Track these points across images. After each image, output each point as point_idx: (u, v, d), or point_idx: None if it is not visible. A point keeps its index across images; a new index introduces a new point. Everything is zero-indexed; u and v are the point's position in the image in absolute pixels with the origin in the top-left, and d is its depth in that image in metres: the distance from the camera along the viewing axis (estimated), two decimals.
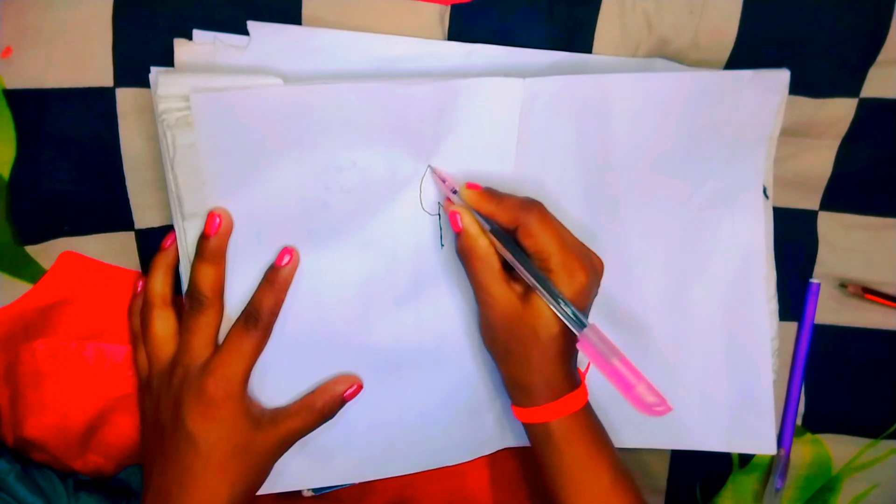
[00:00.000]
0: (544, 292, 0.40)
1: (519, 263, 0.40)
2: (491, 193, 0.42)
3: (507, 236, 0.41)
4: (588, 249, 0.42)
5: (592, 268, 0.41)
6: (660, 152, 0.46)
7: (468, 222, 0.41)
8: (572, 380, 0.42)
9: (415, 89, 0.39)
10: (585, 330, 0.39)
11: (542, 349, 0.41)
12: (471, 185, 0.42)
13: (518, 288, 0.41)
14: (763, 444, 0.52)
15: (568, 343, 0.41)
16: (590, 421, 0.43)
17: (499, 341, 0.43)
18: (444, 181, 0.43)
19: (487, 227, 0.41)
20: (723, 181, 0.48)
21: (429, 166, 0.43)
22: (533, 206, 0.41)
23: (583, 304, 0.41)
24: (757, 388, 0.51)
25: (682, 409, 0.51)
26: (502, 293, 0.41)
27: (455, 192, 0.42)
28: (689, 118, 0.45)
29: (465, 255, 0.41)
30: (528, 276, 0.40)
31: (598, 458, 0.43)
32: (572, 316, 0.39)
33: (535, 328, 0.40)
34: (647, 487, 0.55)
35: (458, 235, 0.41)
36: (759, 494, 0.57)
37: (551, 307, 0.40)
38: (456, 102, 0.40)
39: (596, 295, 0.42)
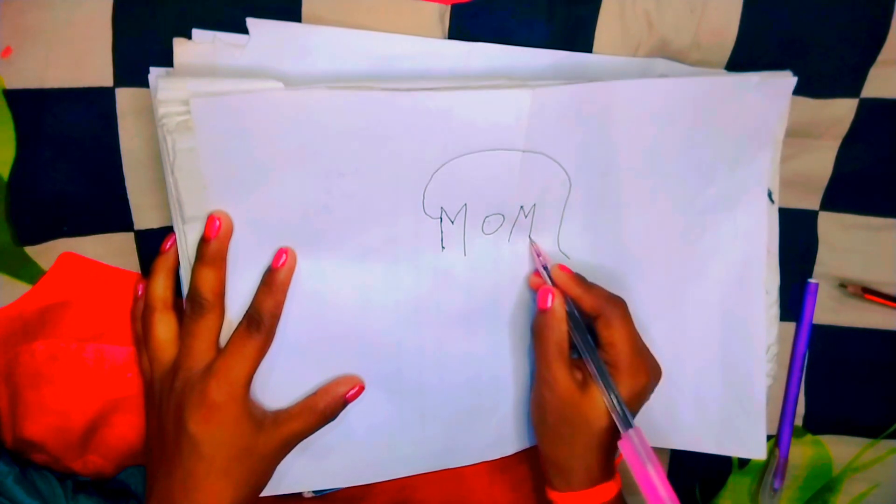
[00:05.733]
0: (603, 385, 0.42)
1: (588, 353, 0.43)
2: (580, 279, 0.44)
3: (582, 325, 0.44)
4: (653, 357, 0.45)
5: (654, 373, 0.45)
6: (663, 156, 0.45)
7: (558, 304, 0.43)
8: (610, 469, 0.45)
9: (420, 96, 0.39)
10: (630, 431, 0.41)
11: (589, 438, 0.43)
12: (563, 267, 0.45)
13: (579, 375, 0.43)
14: (754, 448, 0.52)
15: (614, 438, 0.43)
16: None
17: (548, 422, 0.44)
18: (538, 255, 0.45)
19: (567, 310, 0.44)
20: (726, 185, 0.48)
21: (529, 238, 0.46)
22: (619, 301, 0.44)
23: (635, 404, 0.44)
24: (750, 392, 0.51)
25: (676, 409, 0.51)
26: (565, 377, 0.43)
27: (545, 268, 0.45)
28: (693, 122, 0.45)
29: (543, 332, 0.43)
30: (593, 366, 0.43)
31: None
32: (622, 414, 0.42)
33: (588, 417, 0.43)
34: None
35: (542, 312, 0.44)
36: (758, 495, 0.57)
37: (605, 400, 0.42)
38: (463, 112, 0.40)
39: (647, 400, 0.45)
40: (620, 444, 0.42)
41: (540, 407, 0.45)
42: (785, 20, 0.46)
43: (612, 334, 0.43)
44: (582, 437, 0.43)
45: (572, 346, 0.44)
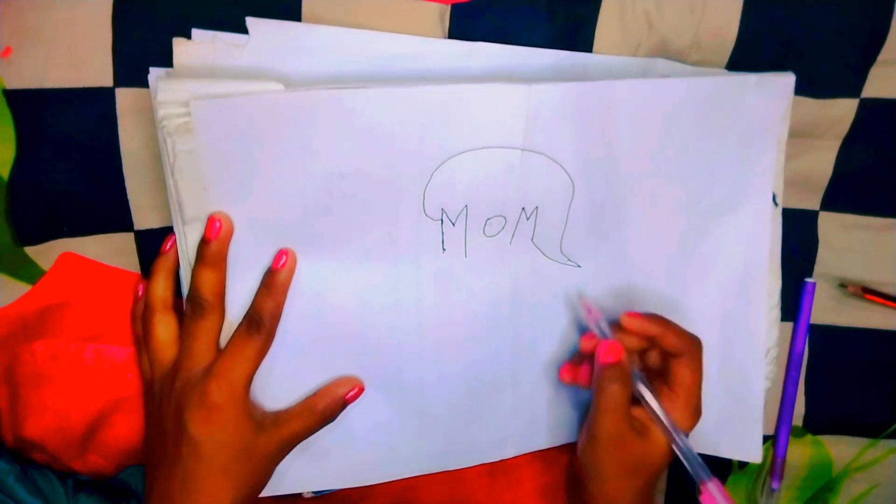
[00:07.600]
0: (679, 444, 0.42)
1: (659, 414, 0.43)
2: (654, 317, 0.44)
3: (646, 380, 0.44)
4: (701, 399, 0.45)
5: (699, 416, 0.45)
6: (664, 158, 0.45)
7: (626, 359, 0.42)
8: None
9: (418, 94, 0.39)
10: (709, 483, 0.41)
11: (640, 479, 0.43)
12: (631, 314, 0.44)
13: (637, 424, 0.43)
14: (749, 451, 0.52)
15: (656, 479, 0.44)
16: None
17: (597, 460, 0.44)
18: (590, 311, 0.45)
19: (637, 372, 0.44)
20: (728, 186, 0.48)
21: (579, 296, 0.46)
22: (699, 342, 0.44)
23: None
24: (748, 395, 0.51)
25: None
26: (627, 429, 0.42)
27: (598, 323, 0.44)
28: (693, 124, 0.45)
29: (610, 388, 0.42)
30: (666, 426, 0.42)
31: None
32: (698, 466, 0.41)
33: (651, 461, 0.43)
34: None
35: (607, 367, 0.42)
36: (757, 495, 0.57)
37: (678, 456, 0.42)
38: (461, 108, 0.40)
39: None
40: (702, 497, 0.41)
41: (592, 446, 0.44)
42: (785, 20, 0.46)
43: (688, 376, 0.43)
44: (637, 479, 0.43)
45: None
